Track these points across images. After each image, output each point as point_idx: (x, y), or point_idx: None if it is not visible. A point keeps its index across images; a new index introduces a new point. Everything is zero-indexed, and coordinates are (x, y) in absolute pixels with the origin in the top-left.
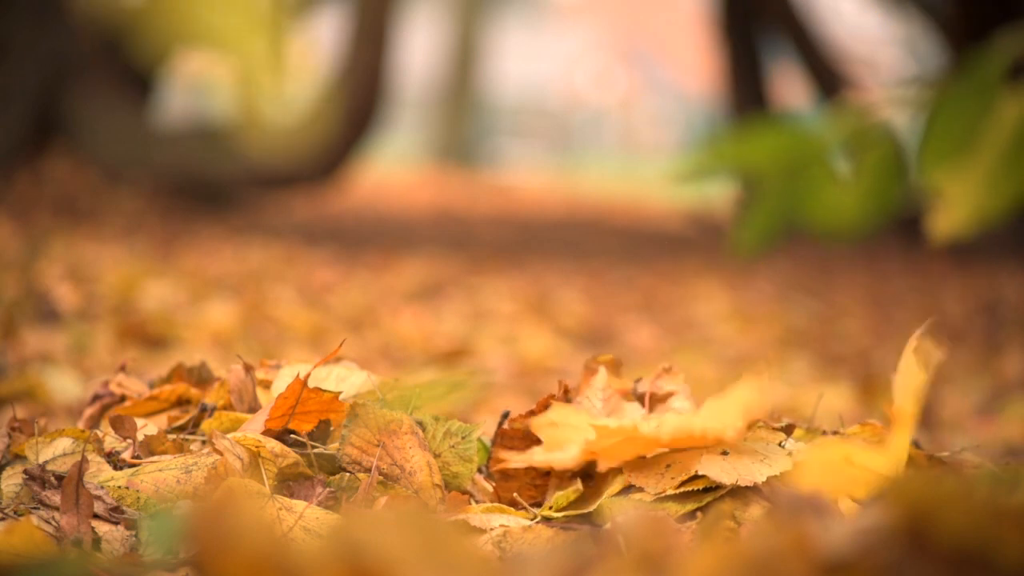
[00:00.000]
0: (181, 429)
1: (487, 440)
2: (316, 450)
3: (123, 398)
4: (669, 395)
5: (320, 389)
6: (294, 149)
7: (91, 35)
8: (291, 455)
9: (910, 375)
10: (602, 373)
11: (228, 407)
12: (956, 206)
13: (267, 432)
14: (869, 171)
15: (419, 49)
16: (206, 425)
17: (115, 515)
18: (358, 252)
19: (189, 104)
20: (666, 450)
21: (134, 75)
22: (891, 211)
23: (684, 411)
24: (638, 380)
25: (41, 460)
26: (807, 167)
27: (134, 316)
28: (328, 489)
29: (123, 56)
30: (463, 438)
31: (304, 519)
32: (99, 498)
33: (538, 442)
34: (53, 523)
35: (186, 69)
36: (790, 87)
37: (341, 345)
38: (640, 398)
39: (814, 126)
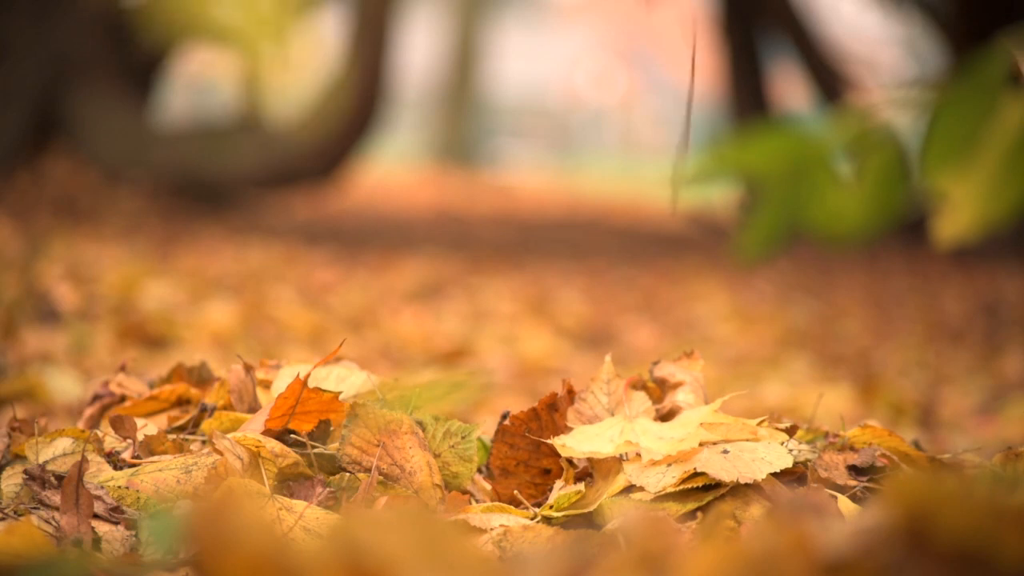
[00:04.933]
0: (181, 429)
1: (487, 440)
2: (316, 450)
3: (123, 398)
4: (678, 385)
5: (320, 389)
6: (295, 148)
7: (92, 34)
8: (291, 455)
9: None
10: (608, 365)
11: (228, 407)
12: (960, 211)
13: (267, 432)
14: (872, 175)
15: (419, 49)
16: (206, 425)
17: (115, 515)
18: (358, 252)
19: (190, 103)
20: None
21: (135, 75)
22: (895, 215)
23: (689, 404)
24: (656, 363)
25: (41, 460)
26: (810, 171)
27: (134, 316)
28: (328, 489)
29: (124, 55)
30: (463, 438)
31: (304, 519)
32: (99, 498)
33: (543, 440)
34: (53, 523)
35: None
36: (790, 87)
37: (341, 345)
38: (655, 382)
39: (816, 129)
